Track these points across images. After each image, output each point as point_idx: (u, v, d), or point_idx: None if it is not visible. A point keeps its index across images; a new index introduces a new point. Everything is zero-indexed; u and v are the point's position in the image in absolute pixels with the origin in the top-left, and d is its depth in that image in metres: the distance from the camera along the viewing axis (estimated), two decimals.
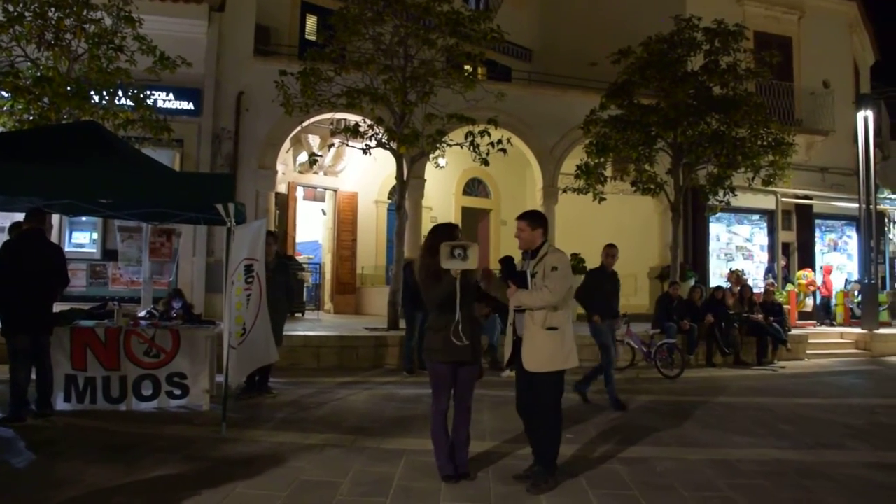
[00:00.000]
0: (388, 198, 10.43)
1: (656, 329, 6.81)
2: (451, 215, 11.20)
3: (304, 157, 9.17)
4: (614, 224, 10.72)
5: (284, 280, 4.48)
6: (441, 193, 11.04)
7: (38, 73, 4.44)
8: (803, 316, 9.17)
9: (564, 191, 8.43)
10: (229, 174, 5.33)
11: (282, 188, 8.97)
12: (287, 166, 9.19)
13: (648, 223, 10.27)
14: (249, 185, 7.51)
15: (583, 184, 7.86)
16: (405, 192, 6.96)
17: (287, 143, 8.17)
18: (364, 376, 5.60)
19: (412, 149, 6.79)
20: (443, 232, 2.97)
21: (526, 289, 2.65)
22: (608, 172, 8.14)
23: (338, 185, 9.96)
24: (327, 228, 10.16)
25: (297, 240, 9.67)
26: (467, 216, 11.47)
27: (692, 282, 8.57)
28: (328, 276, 9.86)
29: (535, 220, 2.82)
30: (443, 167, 9.27)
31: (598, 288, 4.61)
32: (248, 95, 7.41)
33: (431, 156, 7.63)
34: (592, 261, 9.29)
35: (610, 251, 4.81)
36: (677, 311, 6.82)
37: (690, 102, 7.17)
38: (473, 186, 11.62)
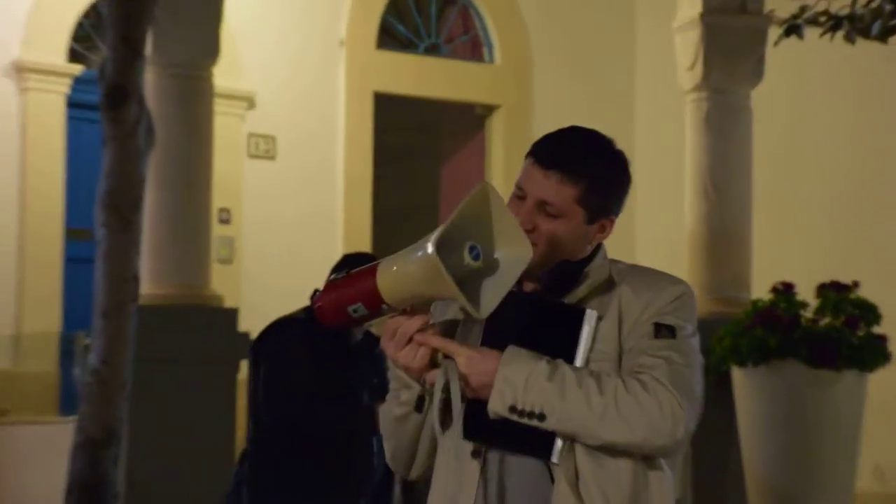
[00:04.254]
0: (72, 58, 11.11)
1: None
2: (337, 135, 11.91)
3: None
4: None
5: None
6: (297, 48, 11.79)
7: None
8: None
9: (790, 30, 8.26)
10: None
11: None
12: None
13: None
14: None
15: None
16: (137, 36, 6.86)
17: None
18: None
19: None
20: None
21: (569, 364, 2.81)
22: None
23: None
24: None
25: None
26: (395, 138, 12.78)
27: None
28: None
29: (606, 175, 2.97)
30: None
31: None
32: None
33: None
34: None
35: None
36: None
37: None
38: (411, 17, 12.42)
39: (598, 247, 2.95)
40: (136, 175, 6.52)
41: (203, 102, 8.78)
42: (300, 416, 5.36)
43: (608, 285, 2.86)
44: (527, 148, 3.00)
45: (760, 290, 8.60)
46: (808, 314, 8.45)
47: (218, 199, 9.42)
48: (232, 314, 8.42)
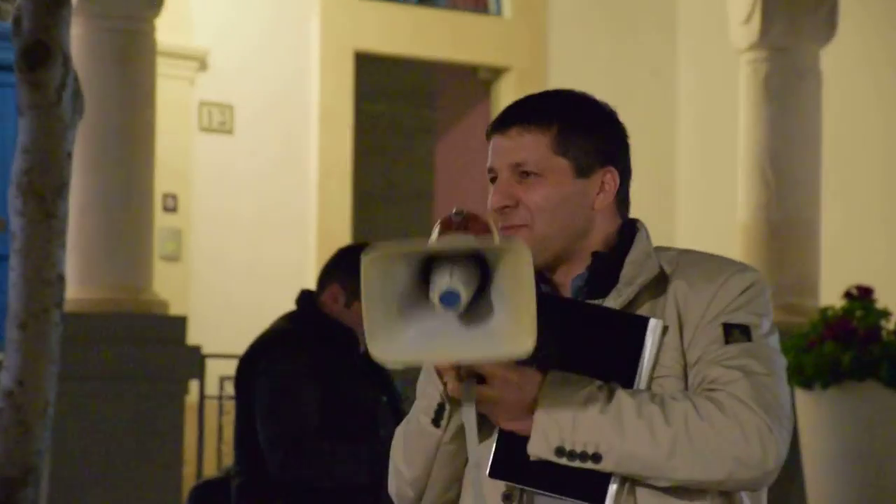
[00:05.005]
0: None
1: None
2: (309, 104, 12.15)
3: None
4: None
5: None
6: None
7: None
8: None
9: None
10: None
11: None
12: None
13: None
14: None
15: None
16: None
17: None
18: None
19: None
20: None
21: (622, 388, 2.80)
22: None
23: None
24: None
25: None
26: (381, 108, 13.17)
27: None
28: None
29: (581, 115, 3.03)
30: None
31: None
32: None
33: None
34: None
35: None
36: None
37: None
38: None
39: (632, 229, 2.91)
40: (60, 151, 6.43)
41: (143, 62, 8.69)
42: (314, 463, 5.40)
43: (661, 281, 2.83)
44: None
45: (831, 296, 8.56)
46: (889, 325, 8.42)
47: (162, 183, 9.39)
48: (179, 323, 8.38)
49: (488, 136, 2.92)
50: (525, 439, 2.70)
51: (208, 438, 9.05)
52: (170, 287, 9.07)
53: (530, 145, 2.85)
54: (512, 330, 2.55)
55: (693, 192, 10.09)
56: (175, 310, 8.68)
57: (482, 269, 2.57)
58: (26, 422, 6.22)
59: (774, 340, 2.82)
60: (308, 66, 11.73)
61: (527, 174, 2.82)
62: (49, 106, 6.35)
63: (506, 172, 2.85)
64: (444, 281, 2.52)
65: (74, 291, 7.54)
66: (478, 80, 12.48)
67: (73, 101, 6.42)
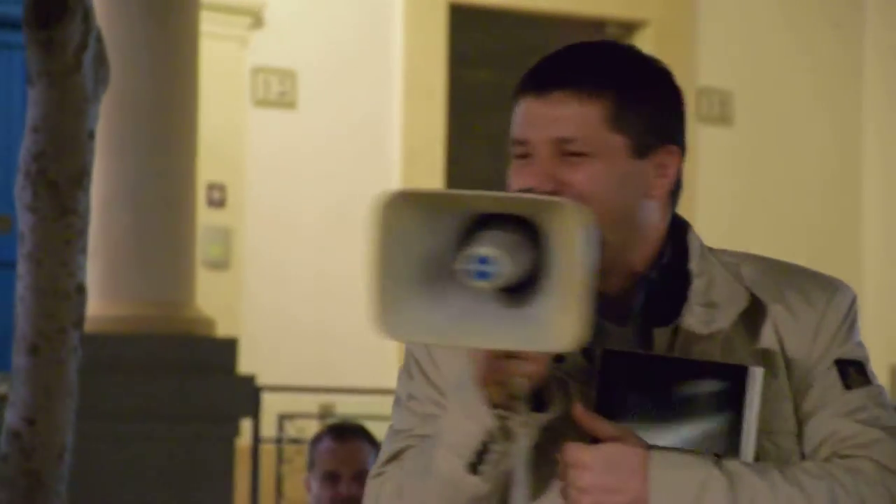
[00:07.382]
0: None
1: None
2: (391, 70, 12.60)
3: None
4: None
5: None
6: None
7: None
8: None
9: None
10: None
11: None
12: None
13: None
14: None
15: None
16: None
17: None
18: None
19: None
20: None
21: (742, 463, 2.80)
22: None
23: None
24: None
25: None
26: (482, 75, 13.38)
27: None
28: None
29: (641, 80, 3.02)
30: None
31: None
32: None
33: None
34: None
35: None
36: None
37: None
38: None
39: (681, 225, 2.91)
40: (79, 131, 6.57)
41: (184, 18, 8.81)
42: None
43: (754, 305, 2.83)
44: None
45: None
46: None
47: (207, 170, 9.54)
48: (228, 347, 8.49)
49: (517, 95, 2.86)
50: None
51: (264, 491, 9.09)
52: (216, 301, 9.26)
53: (579, 118, 2.81)
54: (555, 317, 2.55)
55: (890, 191, 10.01)
56: (223, 330, 8.77)
57: (540, 246, 2.54)
58: (37, 471, 6.43)
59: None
60: (389, 22, 11.77)
61: (572, 153, 2.79)
62: (65, 73, 6.50)
63: (545, 148, 2.81)
64: (480, 246, 2.51)
65: (97, 307, 7.63)
66: (605, 37, 12.16)
67: (95, 67, 6.61)
